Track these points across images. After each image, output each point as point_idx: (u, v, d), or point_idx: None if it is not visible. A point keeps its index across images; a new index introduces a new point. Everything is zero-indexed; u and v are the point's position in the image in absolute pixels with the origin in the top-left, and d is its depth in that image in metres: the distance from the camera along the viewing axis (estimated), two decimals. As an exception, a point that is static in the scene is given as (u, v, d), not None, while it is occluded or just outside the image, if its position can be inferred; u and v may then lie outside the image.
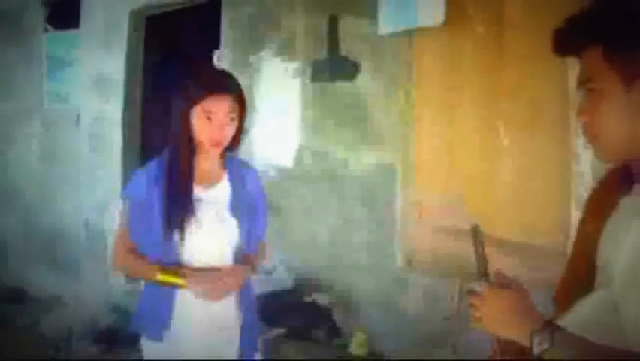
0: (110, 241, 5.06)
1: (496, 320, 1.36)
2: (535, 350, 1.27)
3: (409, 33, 3.37)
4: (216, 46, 4.43)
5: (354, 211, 3.70)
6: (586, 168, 2.72)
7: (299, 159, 4.01)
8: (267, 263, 2.84)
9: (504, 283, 1.41)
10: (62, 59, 5.67)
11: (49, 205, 5.81)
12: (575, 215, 2.64)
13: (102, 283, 5.22)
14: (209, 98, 2.19)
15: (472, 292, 1.41)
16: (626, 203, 1.39)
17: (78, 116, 5.50)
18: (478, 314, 1.38)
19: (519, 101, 3.00)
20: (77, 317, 4.97)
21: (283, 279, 3.78)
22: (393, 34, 3.40)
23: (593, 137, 1.37)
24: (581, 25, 1.34)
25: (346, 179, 3.76)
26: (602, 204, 1.47)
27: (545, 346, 1.26)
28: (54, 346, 4.68)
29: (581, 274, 1.44)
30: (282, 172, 4.03)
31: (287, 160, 4.04)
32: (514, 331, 1.34)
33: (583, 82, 1.36)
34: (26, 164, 6.13)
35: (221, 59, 4.34)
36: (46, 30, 5.82)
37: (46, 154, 5.87)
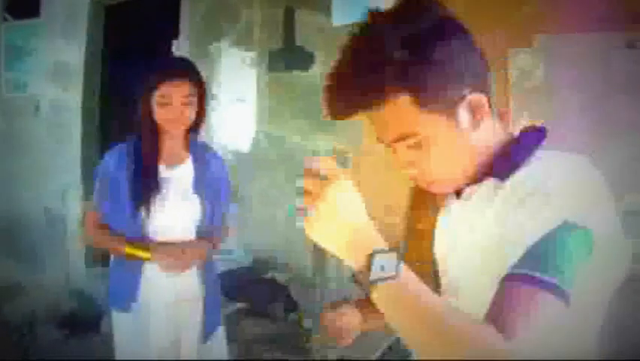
0: (70, 227, 5.14)
1: (329, 228, 1.01)
2: (373, 276, 0.98)
3: (363, 25, 3.54)
4: (175, 36, 4.53)
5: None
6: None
7: (256, 144, 4.17)
8: (226, 244, 2.96)
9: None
10: (21, 49, 5.64)
11: (8, 193, 5.75)
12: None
13: (63, 269, 5.27)
14: (165, 84, 2.32)
15: (303, 191, 1.04)
16: (456, 206, 1.30)
17: (37, 105, 5.49)
18: (306, 219, 1.02)
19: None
20: (40, 303, 4.99)
21: (241, 260, 3.93)
22: (347, 26, 3.57)
23: (428, 183, 1.26)
24: (375, 79, 1.12)
25: (302, 163, 3.91)
26: (426, 204, 1.41)
27: (391, 273, 0.99)
28: (18, 332, 4.68)
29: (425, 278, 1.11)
30: (240, 156, 4.18)
31: (244, 145, 4.19)
32: (347, 247, 1.02)
33: (400, 138, 1.17)
34: (-17, 153, 6.08)
35: (180, 49, 4.45)
36: (5, 19, 5.76)
37: (4, 142, 5.80)
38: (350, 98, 1.16)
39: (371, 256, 0.98)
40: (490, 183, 1.20)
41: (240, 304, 3.14)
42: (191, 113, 2.40)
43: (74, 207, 5.20)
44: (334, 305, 1.50)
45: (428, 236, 1.37)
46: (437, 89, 1.13)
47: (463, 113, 1.16)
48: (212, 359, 2.62)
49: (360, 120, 3.48)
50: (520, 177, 1.14)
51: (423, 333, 0.99)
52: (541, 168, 1.14)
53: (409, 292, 0.99)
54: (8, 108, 5.82)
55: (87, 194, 5.09)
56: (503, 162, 1.19)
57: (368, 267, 0.98)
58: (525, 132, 1.25)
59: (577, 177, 1.12)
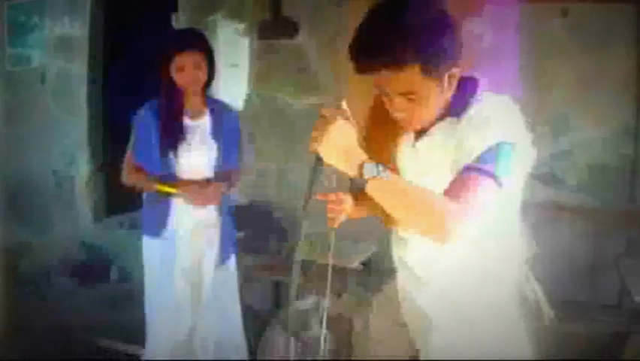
0: (78, 187, 5.55)
1: (332, 147, 1.47)
2: (366, 175, 1.43)
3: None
4: (175, 10, 4.89)
5: (297, 146, 4.46)
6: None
7: (248, 103, 4.69)
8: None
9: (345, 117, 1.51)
10: (23, 25, 5.85)
11: (17, 160, 5.89)
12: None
13: (72, 226, 5.65)
14: (180, 55, 2.86)
15: (321, 116, 1.52)
16: (425, 139, 1.76)
17: (43, 76, 5.74)
18: (316, 139, 1.50)
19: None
20: (52, 257, 5.37)
21: (239, 203, 4.44)
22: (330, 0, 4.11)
23: (409, 123, 1.71)
24: (395, 52, 1.52)
25: (290, 119, 4.51)
26: (382, 138, 1.84)
27: (374, 174, 1.43)
28: (34, 283, 5.03)
29: None
30: (235, 114, 4.71)
31: (239, 104, 4.67)
32: (345, 160, 1.47)
33: (404, 93, 1.60)
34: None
35: (179, 22, 4.83)
36: (6, -2, 5.89)
37: (12, 111, 5.95)
38: (380, 57, 1.54)
39: (362, 165, 1.45)
40: (448, 120, 1.69)
41: (239, 235, 3.57)
42: (202, 76, 2.94)
43: (81, 169, 5.59)
44: (333, 191, 1.93)
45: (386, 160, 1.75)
46: (440, 66, 1.57)
47: (446, 81, 1.62)
48: (227, 281, 3.19)
49: (338, 80, 4.06)
50: (469, 114, 1.64)
51: (401, 206, 1.48)
52: (482, 106, 1.64)
53: (390, 182, 1.46)
54: (14, 81, 6.00)
55: (93, 156, 5.57)
56: (457, 105, 1.68)
57: (361, 172, 1.45)
58: (464, 83, 1.70)
59: (504, 109, 1.65)
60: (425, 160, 1.76)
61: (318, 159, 1.54)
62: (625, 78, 3.81)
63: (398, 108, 1.66)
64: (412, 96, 1.60)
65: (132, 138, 3.02)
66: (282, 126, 4.56)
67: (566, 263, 4.00)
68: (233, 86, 4.74)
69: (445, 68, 1.60)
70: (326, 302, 2.19)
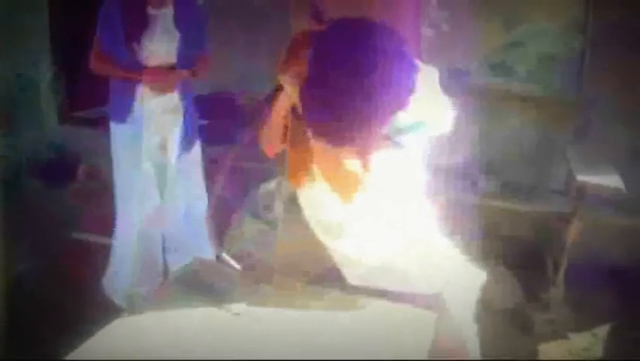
0: (43, 89, 5.65)
1: (295, 83, 1.59)
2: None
3: None
4: None
5: (261, 25, 4.54)
6: None
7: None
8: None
9: None
10: None
11: None
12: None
13: (39, 127, 5.73)
14: None
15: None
16: None
17: None
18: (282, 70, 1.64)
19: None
20: (22, 160, 5.47)
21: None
22: None
23: None
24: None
25: (250, 10, 4.61)
26: None
27: None
28: (5, 185, 4.86)
29: None
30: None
31: None
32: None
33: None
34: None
35: None
36: None
37: None
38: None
39: None
40: None
41: (203, 122, 3.73)
42: None
43: (45, 72, 5.63)
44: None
45: None
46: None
47: None
48: (192, 161, 3.41)
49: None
50: None
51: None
52: None
53: None
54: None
55: (55, 59, 5.60)
56: None
57: None
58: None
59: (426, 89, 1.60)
60: None
61: (280, 86, 1.67)
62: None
63: None
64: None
65: (98, 29, 3.12)
66: (241, 17, 4.60)
67: (515, 149, 4.26)
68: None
69: None
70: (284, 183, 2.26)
